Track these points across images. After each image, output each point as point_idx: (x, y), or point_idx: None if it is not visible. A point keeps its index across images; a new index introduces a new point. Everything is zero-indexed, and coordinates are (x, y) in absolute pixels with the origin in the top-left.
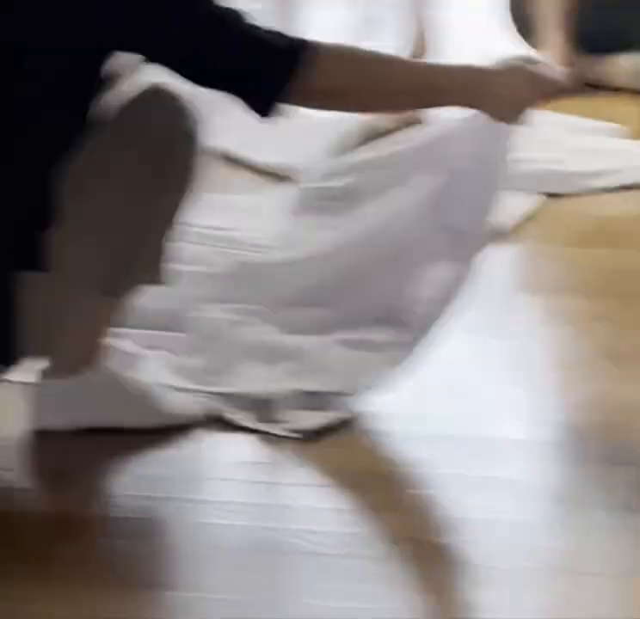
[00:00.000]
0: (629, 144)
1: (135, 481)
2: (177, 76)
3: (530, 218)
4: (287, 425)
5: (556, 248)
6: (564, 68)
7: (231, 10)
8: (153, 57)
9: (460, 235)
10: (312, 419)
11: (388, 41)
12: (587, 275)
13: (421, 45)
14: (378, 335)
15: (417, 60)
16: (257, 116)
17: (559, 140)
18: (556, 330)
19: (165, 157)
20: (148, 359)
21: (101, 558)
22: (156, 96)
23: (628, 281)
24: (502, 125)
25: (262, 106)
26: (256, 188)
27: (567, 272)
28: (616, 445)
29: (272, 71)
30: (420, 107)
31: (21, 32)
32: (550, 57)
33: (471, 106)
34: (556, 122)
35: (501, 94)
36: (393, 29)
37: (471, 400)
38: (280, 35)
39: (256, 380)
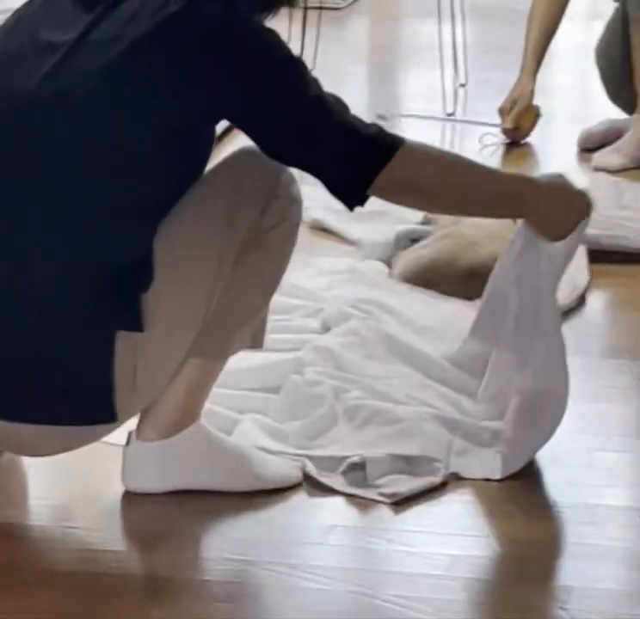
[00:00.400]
0: None
1: (228, 545)
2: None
3: (616, 284)
4: (380, 490)
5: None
6: None
7: (335, 98)
8: (257, 138)
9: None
10: (404, 484)
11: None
12: None
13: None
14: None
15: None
16: (343, 205)
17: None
18: None
19: (271, 218)
20: (243, 422)
21: None
22: (253, 157)
23: None
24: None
25: (350, 196)
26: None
27: None
28: None
29: (363, 163)
30: (489, 215)
31: None
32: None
33: (529, 222)
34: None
35: (553, 212)
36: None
37: (571, 467)
38: (375, 127)
39: (351, 444)
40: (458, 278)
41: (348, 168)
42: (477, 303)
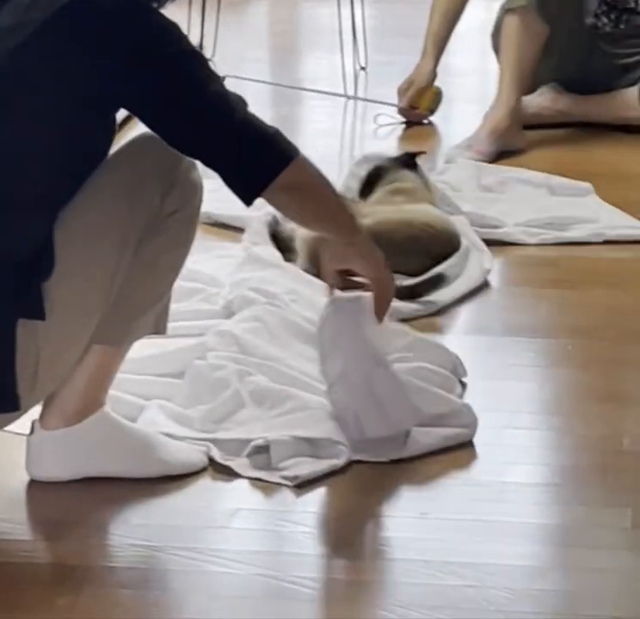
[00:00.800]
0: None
1: (134, 531)
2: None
3: (525, 264)
4: (283, 473)
5: (549, 291)
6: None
7: (237, 95)
8: (158, 131)
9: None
10: (307, 467)
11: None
12: (582, 317)
13: None
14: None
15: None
16: (240, 200)
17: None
18: (553, 372)
19: (171, 204)
20: (149, 408)
21: (100, 609)
22: (154, 143)
23: (624, 322)
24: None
25: (248, 193)
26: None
27: (562, 315)
28: (612, 488)
29: (265, 163)
30: (323, 231)
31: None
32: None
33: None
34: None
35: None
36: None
37: (477, 445)
38: (275, 129)
39: (255, 427)
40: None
41: (250, 166)
42: None
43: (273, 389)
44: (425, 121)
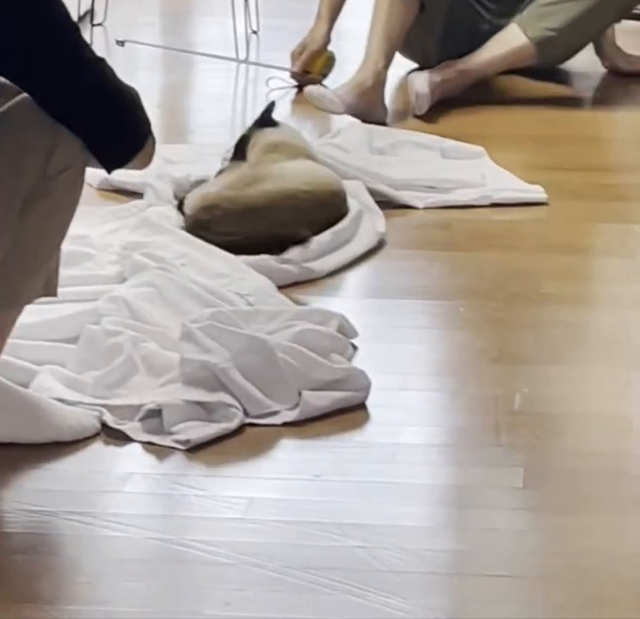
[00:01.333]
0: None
1: (26, 497)
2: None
3: (417, 227)
4: (174, 437)
5: (441, 254)
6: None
7: (109, 67)
8: (33, 96)
9: None
10: (198, 431)
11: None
12: (474, 279)
13: None
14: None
15: None
16: (103, 167)
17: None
18: (446, 334)
19: (56, 165)
20: (41, 373)
21: None
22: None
23: (514, 284)
24: None
25: (114, 161)
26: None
27: (454, 277)
28: (505, 448)
29: (136, 133)
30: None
31: None
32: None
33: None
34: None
35: None
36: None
37: (370, 407)
38: (137, 99)
39: (148, 392)
40: (241, 214)
41: (122, 136)
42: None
43: (165, 356)
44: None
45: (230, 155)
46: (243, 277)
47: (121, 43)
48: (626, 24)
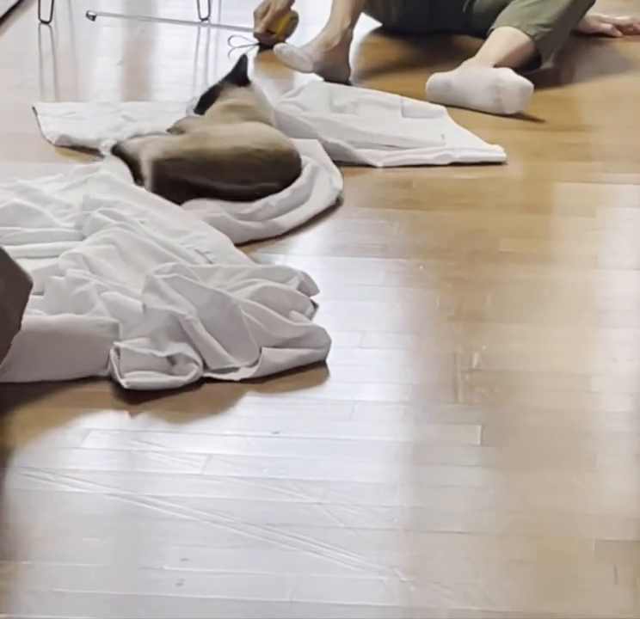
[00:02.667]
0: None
1: None
2: None
3: (377, 185)
4: (123, 380)
5: (401, 212)
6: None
7: None
8: None
9: None
10: (147, 378)
11: None
12: (433, 237)
13: None
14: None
15: None
16: None
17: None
18: (404, 292)
19: None
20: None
21: None
22: None
23: (473, 242)
24: None
25: None
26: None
27: (412, 235)
28: (463, 405)
29: None
30: None
31: None
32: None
33: None
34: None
35: None
36: None
37: (322, 363)
38: None
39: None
40: (202, 166)
41: None
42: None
43: (132, 303)
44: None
45: (194, 103)
46: (201, 234)
47: (92, 17)
48: None
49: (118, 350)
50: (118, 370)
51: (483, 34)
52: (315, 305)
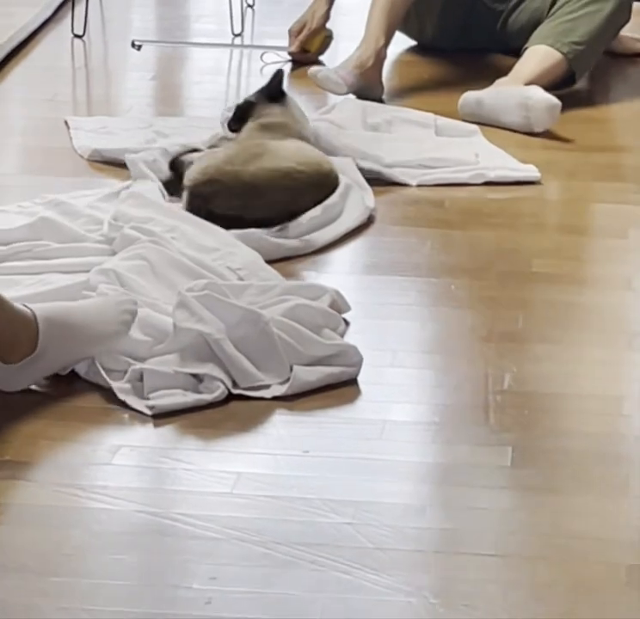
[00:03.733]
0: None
1: (13, 467)
2: None
3: (409, 204)
4: (147, 402)
5: (433, 231)
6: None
7: None
8: None
9: None
10: (171, 399)
11: None
12: (465, 257)
13: None
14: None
15: None
16: None
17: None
18: (436, 311)
19: None
20: None
21: None
22: None
23: (505, 262)
24: None
25: None
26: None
27: (445, 254)
28: (493, 426)
29: None
30: None
31: None
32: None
33: None
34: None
35: None
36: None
37: (353, 382)
38: None
39: (140, 355)
40: (239, 190)
41: None
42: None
43: (162, 319)
44: (314, 61)
45: (229, 115)
46: (233, 251)
47: (138, 47)
48: None
49: (141, 373)
50: (140, 393)
51: (517, 52)
52: (346, 323)
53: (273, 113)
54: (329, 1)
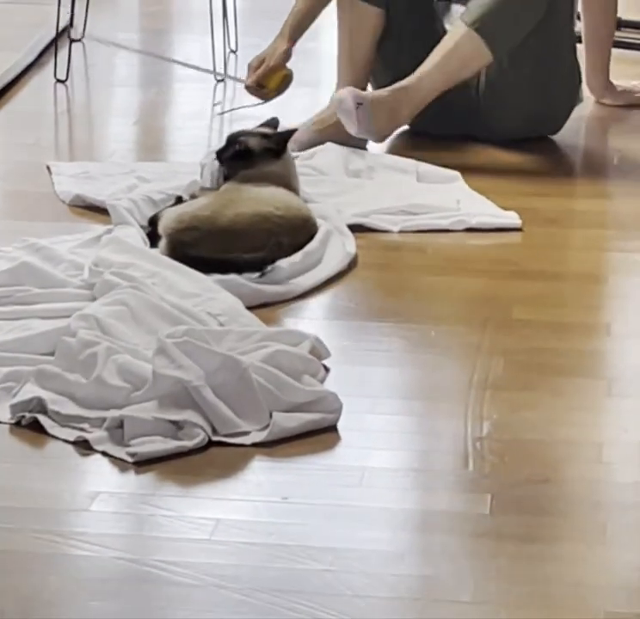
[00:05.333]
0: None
1: None
2: None
3: (390, 250)
4: (127, 449)
5: (414, 277)
6: None
7: None
8: None
9: None
10: (152, 446)
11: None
12: (446, 304)
13: None
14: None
15: None
16: None
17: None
18: (416, 358)
19: None
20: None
21: None
22: None
23: (486, 309)
24: None
25: None
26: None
27: (426, 301)
28: (473, 473)
29: None
30: None
31: None
32: None
33: None
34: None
35: None
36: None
37: (332, 428)
38: None
39: (117, 402)
40: (217, 235)
41: None
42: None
43: (141, 366)
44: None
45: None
46: (213, 297)
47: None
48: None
49: (120, 420)
50: (118, 440)
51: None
52: (326, 369)
53: (269, 168)
54: (290, 39)
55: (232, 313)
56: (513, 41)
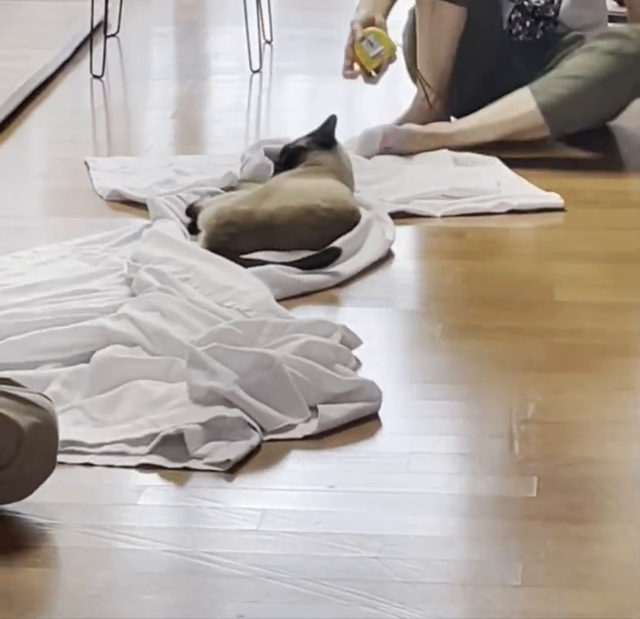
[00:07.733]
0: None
1: (39, 509)
2: None
3: (431, 235)
4: (206, 460)
5: (455, 263)
6: None
7: None
8: None
9: None
10: (229, 451)
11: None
12: (488, 288)
13: None
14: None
15: None
16: None
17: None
18: (459, 343)
19: None
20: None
21: (4, 582)
22: None
23: (528, 292)
24: None
25: None
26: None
27: (468, 285)
28: (518, 456)
29: None
30: None
31: None
32: None
33: None
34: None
35: None
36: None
37: (376, 416)
38: None
39: (155, 420)
40: (257, 231)
41: None
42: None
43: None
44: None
45: (251, 156)
46: (245, 290)
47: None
48: None
49: (181, 434)
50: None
51: None
52: (358, 361)
53: (322, 161)
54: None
55: (260, 308)
56: (577, 129)
